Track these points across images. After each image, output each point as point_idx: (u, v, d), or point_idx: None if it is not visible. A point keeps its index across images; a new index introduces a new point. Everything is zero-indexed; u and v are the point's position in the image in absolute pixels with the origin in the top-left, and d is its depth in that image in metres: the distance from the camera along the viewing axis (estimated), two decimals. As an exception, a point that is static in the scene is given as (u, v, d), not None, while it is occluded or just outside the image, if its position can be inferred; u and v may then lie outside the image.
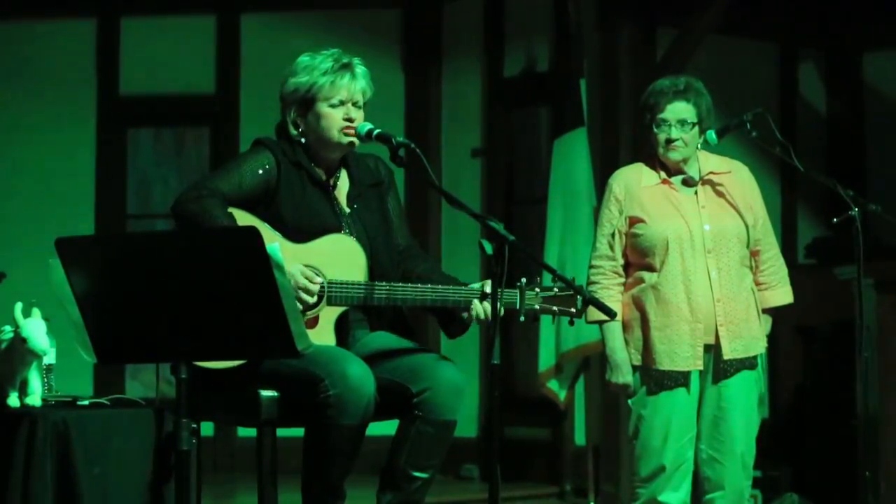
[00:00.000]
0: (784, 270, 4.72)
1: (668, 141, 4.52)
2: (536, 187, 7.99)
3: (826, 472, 7.20)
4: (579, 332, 6.86)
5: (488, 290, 3.95)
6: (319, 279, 3.95)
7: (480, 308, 3.98)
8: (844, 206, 4.66)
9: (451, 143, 8.50)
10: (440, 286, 4.02)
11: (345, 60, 4.11)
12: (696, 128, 4.54)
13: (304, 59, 4.14)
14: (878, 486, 5.91)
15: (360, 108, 4.11)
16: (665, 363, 4.49)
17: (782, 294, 4.70)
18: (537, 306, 4.04)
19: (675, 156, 4.55)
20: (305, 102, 4.09)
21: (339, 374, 3.80)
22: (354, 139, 4.08)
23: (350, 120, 4.06)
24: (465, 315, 4.01)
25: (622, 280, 4.60)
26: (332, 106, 4.07)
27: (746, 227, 4.59)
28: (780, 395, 7.80)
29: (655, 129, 4.54)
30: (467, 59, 8.48)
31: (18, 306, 4.04)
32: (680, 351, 4.48)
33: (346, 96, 4.07)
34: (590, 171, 7.23)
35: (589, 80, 7.37)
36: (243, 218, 3.98)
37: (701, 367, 4.50)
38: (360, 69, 4.12)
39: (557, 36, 7.87)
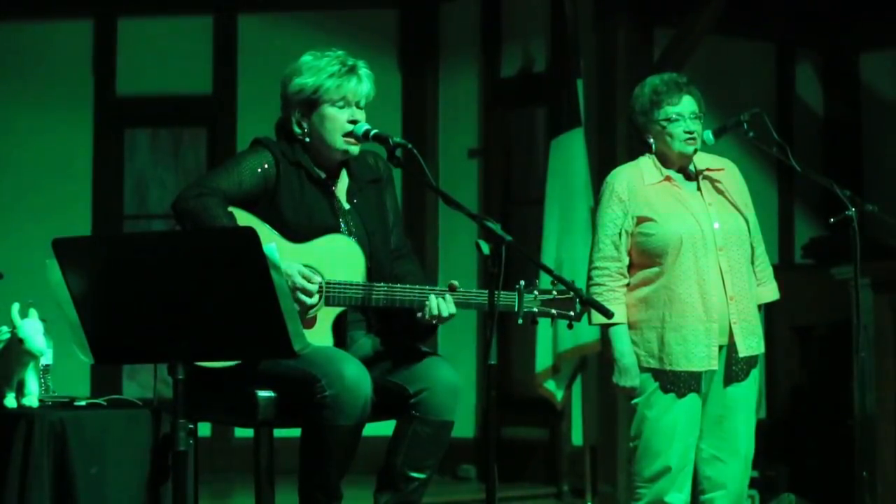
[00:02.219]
0: (770, 267, 4.71)
1: (689, 133, 4.50)
2: (533, 188, 7.99)
3: (823, 472, 7.21)
4: (577, 333, 6.86)
5: (455, 285, 3.97)
6: (318, 278, 3.96)
7: (434, 303, 3.96)
8: (841, 207, 4.66)
9: (447, 144, 8.50)
10: (438, 287, 4.03)
11: (350, 63, 4.12)
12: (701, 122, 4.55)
13: (307, 58, 4.14)
14: (875, 485, 5.91)
15: (361, 109, 4.12)
16: (682, 364, 4.44)
17: (772, 290, 4.69)
18: (535, 309, 4.04)
19: (693, 149, 4.52)
20: (310, 104, 4.10)
21: (336, 374, 3.80)
22: (355, 147, 4.08)
23: (354, 122, 4.07)
24: (420, 314, 3.98)
25: (627, 281, 4.54)
26: (338, 107, 4.08)
27: (747, 223, 4.58)
28: (777, 395, 7.80)
29: (667, 125, 4.50)
30: (464, 59, 8.48)
31: (15, 307, 4.04)
32: (696, 351, 4.43)
33: (351, 98, 4.09)
34: (587, 171, 7.22)
35: (586, 81, 7.37)
36: (243, 217, 3.98)
37: (716, 367, 4.47)
38: (364, 72, 4.14)
39: (554, 36, 7.87)
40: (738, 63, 8.30)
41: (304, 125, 4.12)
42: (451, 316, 3.98)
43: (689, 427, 4.49)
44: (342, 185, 4.19)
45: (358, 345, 4.11)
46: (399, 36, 8.61)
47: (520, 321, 3.99)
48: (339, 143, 4.08)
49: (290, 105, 4.14)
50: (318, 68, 4.10)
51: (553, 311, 4.05)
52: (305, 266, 3.97)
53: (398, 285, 4.01)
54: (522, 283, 3.98)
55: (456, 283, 4.01)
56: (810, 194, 8.33)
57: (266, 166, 4.06)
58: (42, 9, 8.59)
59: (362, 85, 4.11)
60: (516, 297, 3.97)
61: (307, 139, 4.12)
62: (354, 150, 4.10)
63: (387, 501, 4.02)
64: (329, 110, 4.08)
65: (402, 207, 4.41)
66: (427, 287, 4.01)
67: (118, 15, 8.64)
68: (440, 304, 3.96)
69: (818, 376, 7.58)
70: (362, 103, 4.12)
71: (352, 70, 4.11)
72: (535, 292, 4.02)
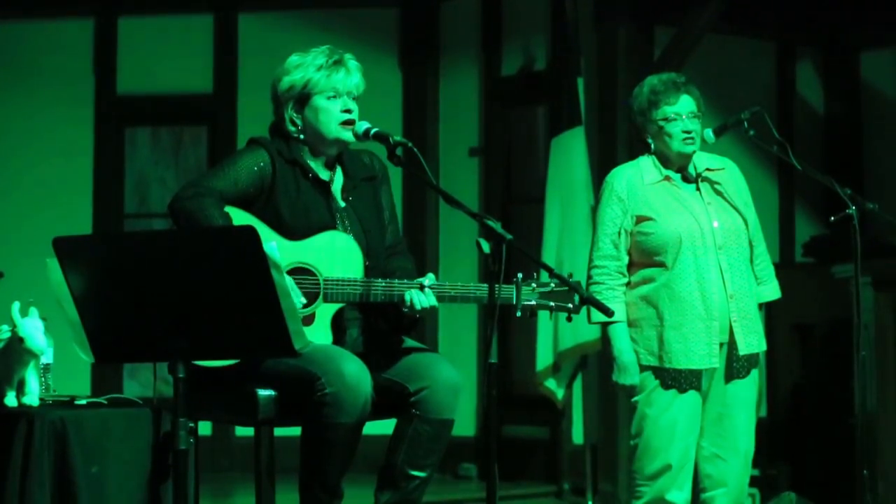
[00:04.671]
0: (771, 266, 4.71)
1: (686, 133, 4.50)
2: (534, 186, 7.99)
3: (824, 471, 7.21)
4: (577, 331, 6.86)
5: (426, 282, 3.98)
6: (304, 300, 3.95)
7: (416, 298, 3.96)
8: (842, 205, 4.66)
9: (448, 142, 8.50)
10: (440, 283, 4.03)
11: (337, 56, 4.14)
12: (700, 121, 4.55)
13: (294, 58, 4.17)
14: (876, 484, 5.91)
15: (354, 100, 4.13)
16: (682, 362, 4.44)
17: (773, 289, 4.69)
18: (534, 301, 4.04)
19: (692, 148, 4.52)
20: (301, 99, 4.11)
21: (336, 372, 3.80)
22: (353, 133, 4.09)
23: (348, 111, 4.08)
24: (406, 309, 3.99)
25: (626, 280, 4.54)
26: (329, 98, 4.09)
27: (746, 223, 4.58)
28: (777, 393, 7.80)
29: (665, 124, 4.50)
30: (465, 57, 8.48)
31: (16, 306, 4.04)
32: (696, 349, 4.43)
33: (342, 88, 4.10)
34: (587, 169, 7.23)
35: (586, 79, 7.38)
36: (240, 217, 3.98)
37: (717, 365, 4.48)
38: (352, 63, 4.16)
39: (555, 35, 7.87)
40: (739, 61, 8.30)
41: (298, 122, 4.13)
42: (431, 307, 3.98)
43: (689, 425, 4.49)
44: (337, 182, 4.20)
45: (356, 342, 4.11)
46: (400, 34, 8.61)
47: (518, 313, 4.00)
48: (335, 131, 4.09)
49: (281, 104, 4.15)
50: (304, 64, 4.13)
51: (551, 303, 4.05)
52: (304, 264, 3.98)
53: (401, 281, 4.02)
54: (520, 275, 3.98)
55: (426, 281, 4.00)
56: (811, 192, 8.33)
57: (262, 164, 4.07)
58: (43, 8, 8.60)
59: (351, 76, 4.12)
60: (514, 289, 3.98)
61: (302, 136, 4.13)
62: (349, 136, 4.10)
63: (387, 500, 4.02)
64: (321, 102, 4.09)
65: (402, 206, 4.41)
66: (416, 281, 4.01)
67: (119, 14, 8.65)
68: (417, 298, 3.96)
69: (819, 375, 7.58)
70: (354, 94, 4.13)
71: (339, 62, 4.13)
72: (533, 284, 4.03)
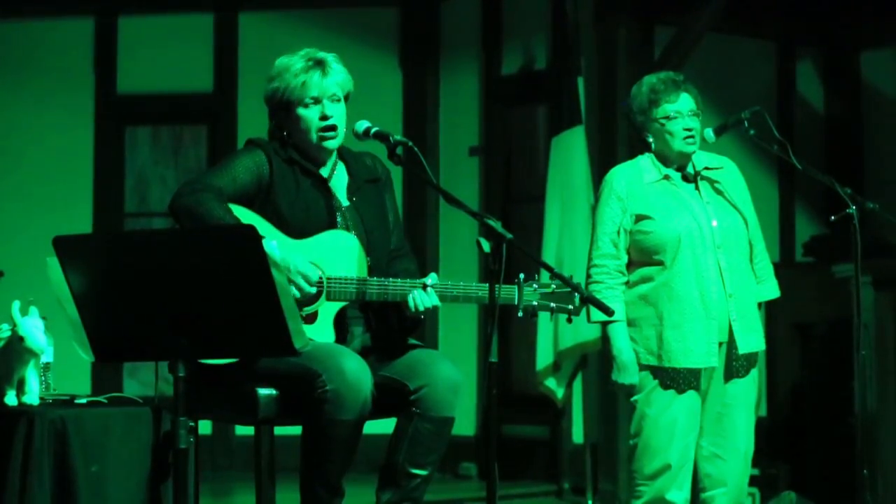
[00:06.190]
0: (770, 265, 4.71)
1: (687, 131, 4.50)
2: (534, 185, 7.99)
3: (824, 471, 7.21)
4: (577, 330, 6.86)
5: (428, 282, 3.98)
6: (319, 272, 3.96)
7: (418, 298, 3.97)
8: (842, 205, 4.66)
9: (448, 141, 8.51)
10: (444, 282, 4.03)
11: (317, 58, 4.11)
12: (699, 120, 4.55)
13: (280, 61, 4.16)
14: (876, 483, 5.91)
15: (337, 101, 4.11)
16: (680, 361, 4.45)
17: (772, 288, 4.69)
18: (535, 302, 4.04)
19: (693, 147, 4.52)
20: (284, 106, 4.11)
21: (336, 369, 3.81)
22: (333, 140, 4.08)
23: (326, 118, 4.07)
24: (410, 311, 4.00)
25: (625, 279, 4.55)
26: (306, 106, 4.08)
27: (745, 221, 4.59)
28: (777, 392, 7.81)
29: (666, 122, 4.50)
30: (465, 57, 8.48)
31: (16, 305, 4.04)
32: (695, 348, 4.44)
33: (319, 93, 4.08)
34: (588, 168, 7.23)
35: (587, 78, 7.38)
36: (243, 214, 3.99)
37: (716, 365, 4.48)
38: (333, 65, 4.12)
39: (555, 34, 7.86)
40: (739, 61, 8.30)
41: (285, 128, 4.13)
42: (434, 307, 3.99)
43: (688, 424, 4.49)
44: (342, 182, 4.20)
45: (358, 340, 4.11)
46: (400, 34, 8.61)
47: (520, 314, 4.00)
48: (316, 139, 4.09)
49: (271, 111, 4.17)
50: (285, 69, 4.11)
51: (552, 304, 4.05)
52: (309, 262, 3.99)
53: (399, 280, 4.02)
54: (522, 275, 3.99)
55: (429, 281, 4.01)
56: (811, 192, 8.33)
57: (259, 163, 4.07)
58: (43, 7, 8.60)
59: (328, 77, 4.09)
60: (516, 289, 3.98)
61: (291, 140, 4.13)
62: (332, 143, 4.10)
63: (389, 499, 4.02)
64: (300, 111, 4.08)
65: (402, 206, 4.41)
66: (419, 281, 4.02)
67: (119, 13, 8.65)
68: (419, 298, 3.96)
69: (819, 374, 7.57)
70: (337, 96, 4.11)
71: (317, 64, 4.10)
72: (535, 285, 4.03)
